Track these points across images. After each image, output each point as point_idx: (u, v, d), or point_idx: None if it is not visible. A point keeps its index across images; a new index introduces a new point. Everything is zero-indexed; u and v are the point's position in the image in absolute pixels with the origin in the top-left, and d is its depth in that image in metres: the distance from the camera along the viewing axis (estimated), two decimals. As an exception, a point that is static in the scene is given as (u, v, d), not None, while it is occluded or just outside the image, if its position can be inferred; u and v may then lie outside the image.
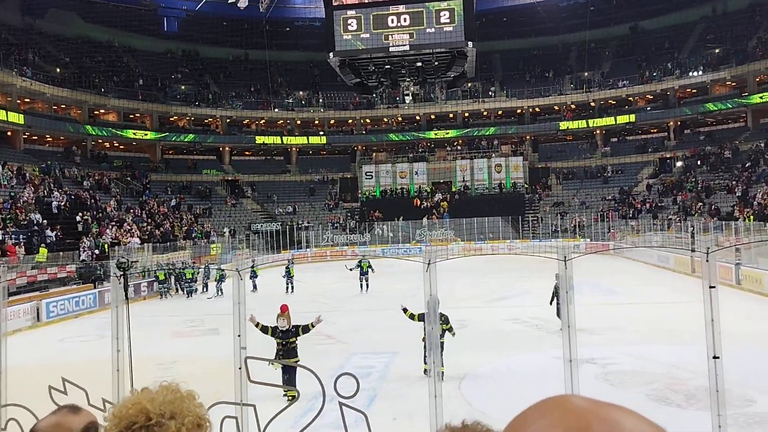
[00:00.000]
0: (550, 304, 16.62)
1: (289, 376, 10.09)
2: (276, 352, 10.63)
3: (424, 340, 11.77)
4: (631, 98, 53.28)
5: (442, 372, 11.62)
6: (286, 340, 10.68)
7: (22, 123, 41.22)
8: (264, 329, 10.62)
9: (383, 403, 10.14)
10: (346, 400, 5.06)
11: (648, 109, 53.24)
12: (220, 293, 26.23)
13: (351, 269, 26.20)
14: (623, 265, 33.29)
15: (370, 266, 25.93)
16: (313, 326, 10.74)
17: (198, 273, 28.13)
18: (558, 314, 16.10)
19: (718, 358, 6.10)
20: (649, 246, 34.82)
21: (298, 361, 10.30)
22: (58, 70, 46.73)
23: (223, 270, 26.40)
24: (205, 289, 28.09)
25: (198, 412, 1.35)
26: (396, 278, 26.84)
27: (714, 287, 6.17)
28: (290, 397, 8.59)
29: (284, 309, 10.90)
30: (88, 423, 1.69)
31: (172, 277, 27.70)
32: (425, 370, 11.42)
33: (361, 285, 25.66)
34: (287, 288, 25.86)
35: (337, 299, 24.29)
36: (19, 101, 42.19)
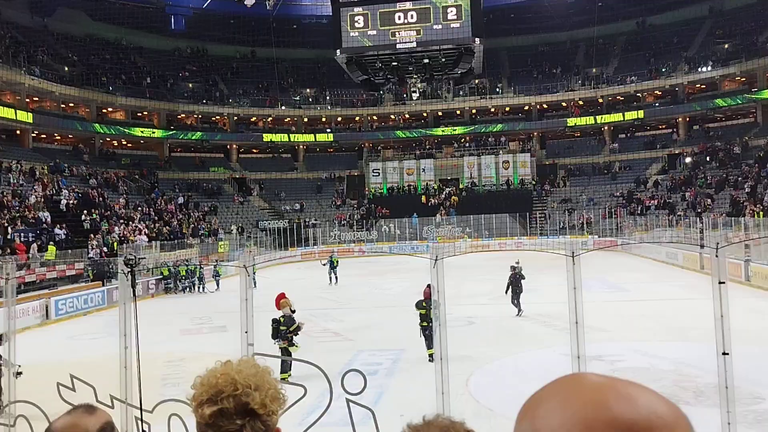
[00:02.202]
0: (506, 293, 17.73)
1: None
2: (290, 337, 11.87)
3: (421, 325, 12.73)
4: (639, 94, 52.98)
5: (431, 354, 12.31)
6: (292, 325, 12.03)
7: (31, 122, 41.40)
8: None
9: (390, 399, 10.14)
10: (353, 396, 5.06)
11: (656, 105, 52.92)
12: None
13: (324, 264, 29.16)
14: (631, 262, 33.14)
15: (337, 262, 29.21)
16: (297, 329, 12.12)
17: (195, 269, 28.64)
18: (513, 302, 17.49)
19: (727, 354, 6.06)
20: (657, 242, 34.66)
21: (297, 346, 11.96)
22: (66, 68, 46.90)
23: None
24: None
25: (277, 385, 1.45)
26: (403, 276, 26.84)
27: (723, 283, 6.13)
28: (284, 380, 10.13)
29: (283, 296, 12.29)
30: (104, 423, 1.67)
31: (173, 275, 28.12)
32: (431, 356, 12.30)
33: (331, 278, 28.40)
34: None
35: (344, 296, 24.34)
36: (27, 100, 42.37)
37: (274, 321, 12.03)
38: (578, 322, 6.62)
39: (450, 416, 1.11)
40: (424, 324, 12.80)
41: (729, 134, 47.49)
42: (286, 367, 11.15)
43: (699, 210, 38.49)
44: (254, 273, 27.35)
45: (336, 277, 28.53)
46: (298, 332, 12.08)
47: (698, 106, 49.58)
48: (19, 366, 10.17)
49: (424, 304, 12.59)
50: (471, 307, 18.90)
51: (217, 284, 28.26)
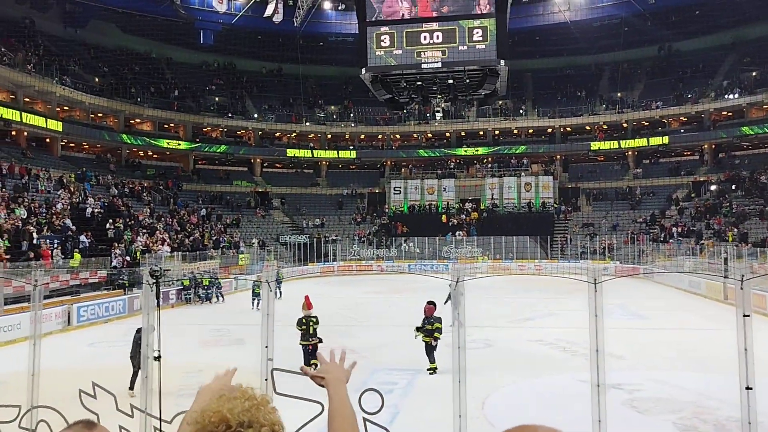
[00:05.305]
0: (444, 304, 17.86)
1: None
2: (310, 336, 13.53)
3: (436, 338, 13.50)
4: (664, 120, 52.62)
5: (435, 368, 12.80)
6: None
7: (61, 130, 42.24)
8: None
9: (406, 419, 10.09)
10: (369, 416, 5.06)
11: (682, 131, 52.50)
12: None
13: (275, 279, 29.18)
14: (653, 289, 32.72)
15: (282, 277, 30.84)
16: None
17: (215, 281, 28.90)
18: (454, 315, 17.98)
19: (751, 389, 5.97)
20: (680, 271, 34.19)
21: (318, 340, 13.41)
22: (96, 79, 47.84)
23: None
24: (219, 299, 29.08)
25: (273, 419, 1.42)
26: (422, 294, 26.71)
27: (748, 316, 6.06)
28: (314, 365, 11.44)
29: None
30: None
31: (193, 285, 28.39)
32: (435, 369, 13.26)
33: (276, 293, 27.75)
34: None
35: (361, 314, 24.31)
36: (58, 109, 43.24)
37: (308, 319, 13.71)
38: (599, 350, 6.57)
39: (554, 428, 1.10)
40: (438, 336, 13.44)
41: (755, 163, 46.89)
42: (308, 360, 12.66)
43: (735, 236, 37.64)
44: (279, 284, 27.89)
45: (280, 292, 28.67)
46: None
47: (724, 134, 49.08)
48: (157, 351, 10.47)
49: (438, 317, 13.60)
50: (489, 330, 18.81)
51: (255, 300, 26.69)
